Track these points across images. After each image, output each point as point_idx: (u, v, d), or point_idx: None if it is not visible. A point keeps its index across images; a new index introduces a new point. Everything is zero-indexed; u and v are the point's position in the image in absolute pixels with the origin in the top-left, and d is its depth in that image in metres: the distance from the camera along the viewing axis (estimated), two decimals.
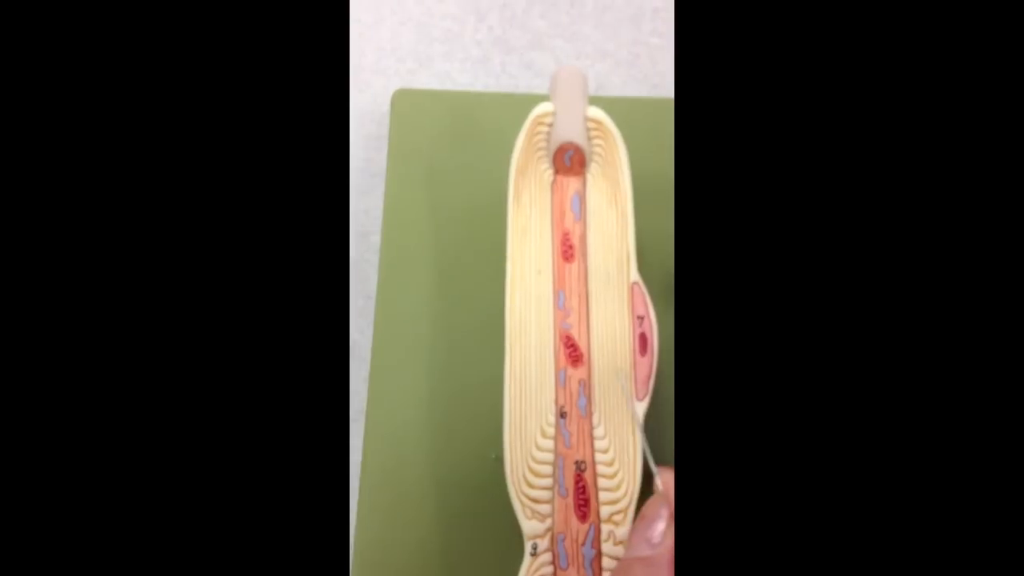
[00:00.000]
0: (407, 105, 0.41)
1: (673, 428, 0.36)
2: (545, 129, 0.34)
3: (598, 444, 0.31)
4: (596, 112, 0.34)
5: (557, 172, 0.35)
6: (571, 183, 0.35)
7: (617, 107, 0.36)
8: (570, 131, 0.34)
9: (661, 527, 0.22)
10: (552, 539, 0.30)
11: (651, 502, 0.23)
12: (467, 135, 0.41)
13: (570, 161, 0.35)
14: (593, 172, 0.35)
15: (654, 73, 0.46)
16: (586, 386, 0.32)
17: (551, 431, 0.31)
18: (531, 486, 0.30)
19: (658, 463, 0.26)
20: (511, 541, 0.30)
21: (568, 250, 0.34)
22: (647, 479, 0.32)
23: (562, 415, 0.31)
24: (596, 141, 0.34)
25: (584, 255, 0.34)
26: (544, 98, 0.34)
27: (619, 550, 0.29)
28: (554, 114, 0.34)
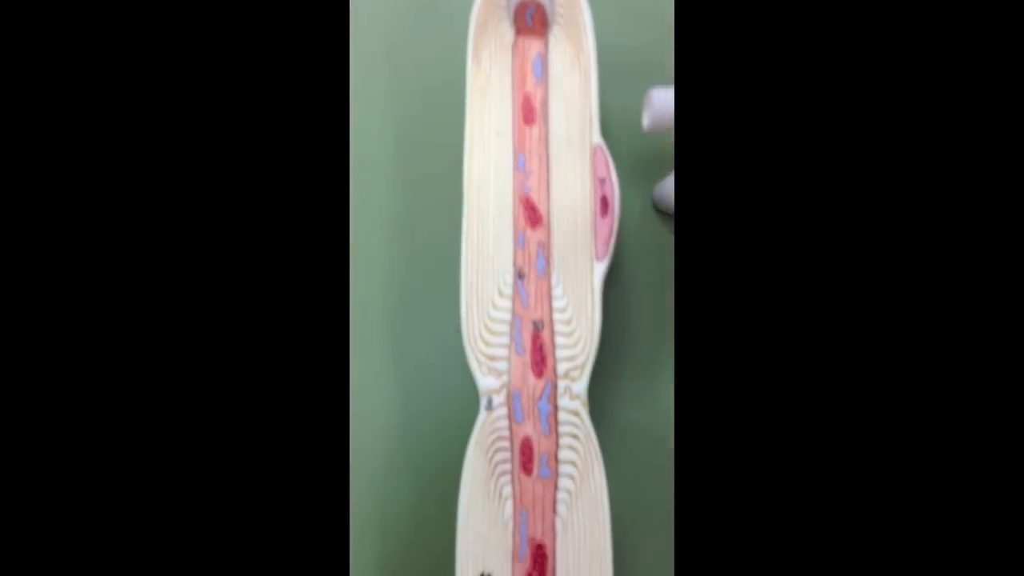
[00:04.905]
0: None
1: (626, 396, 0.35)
2: None
3: (556, 304, 0.30)
4: None
5: (518, 33, 0.34)
6: (532, 44, 0.34)
7: None
8: None
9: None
10: (508, 395, 0.29)
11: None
12: (430, 5, 0.39)
13: (531, 20, 0.33)
14: (555, 34, 0.34)
15: None
16: (545, 247, 0.31)
17: (508, 291, 0.30)
18: (487, 343, 0.29)
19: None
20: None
21: (529, 113, 0.33)
22: (604, 338, 0.31)
23: (520, 276, 0.31)
24: (559, 0, 0.33)
25: (545, 118, 0.33)
26: None
27: (576, 404, 0.29)
28: None
